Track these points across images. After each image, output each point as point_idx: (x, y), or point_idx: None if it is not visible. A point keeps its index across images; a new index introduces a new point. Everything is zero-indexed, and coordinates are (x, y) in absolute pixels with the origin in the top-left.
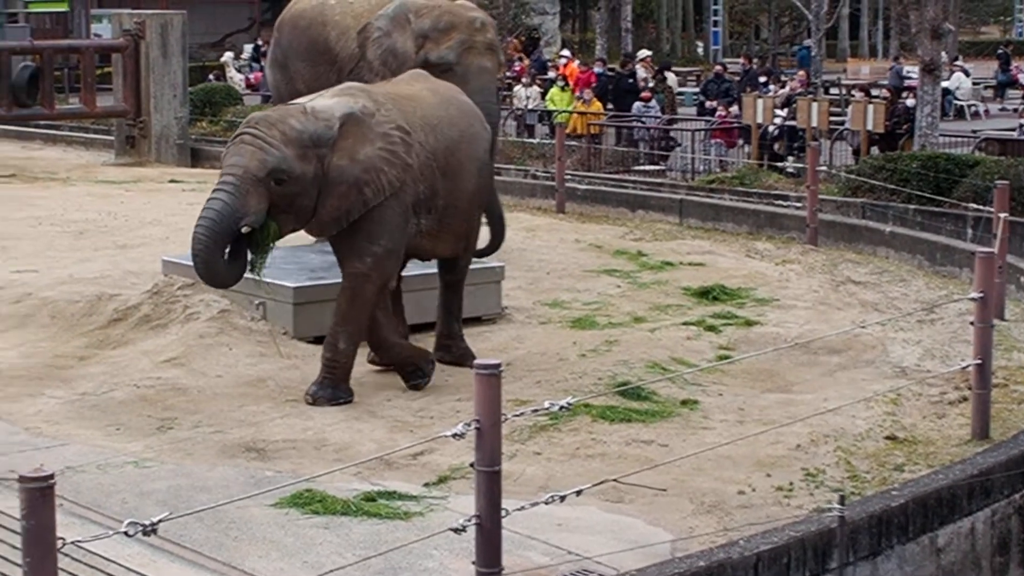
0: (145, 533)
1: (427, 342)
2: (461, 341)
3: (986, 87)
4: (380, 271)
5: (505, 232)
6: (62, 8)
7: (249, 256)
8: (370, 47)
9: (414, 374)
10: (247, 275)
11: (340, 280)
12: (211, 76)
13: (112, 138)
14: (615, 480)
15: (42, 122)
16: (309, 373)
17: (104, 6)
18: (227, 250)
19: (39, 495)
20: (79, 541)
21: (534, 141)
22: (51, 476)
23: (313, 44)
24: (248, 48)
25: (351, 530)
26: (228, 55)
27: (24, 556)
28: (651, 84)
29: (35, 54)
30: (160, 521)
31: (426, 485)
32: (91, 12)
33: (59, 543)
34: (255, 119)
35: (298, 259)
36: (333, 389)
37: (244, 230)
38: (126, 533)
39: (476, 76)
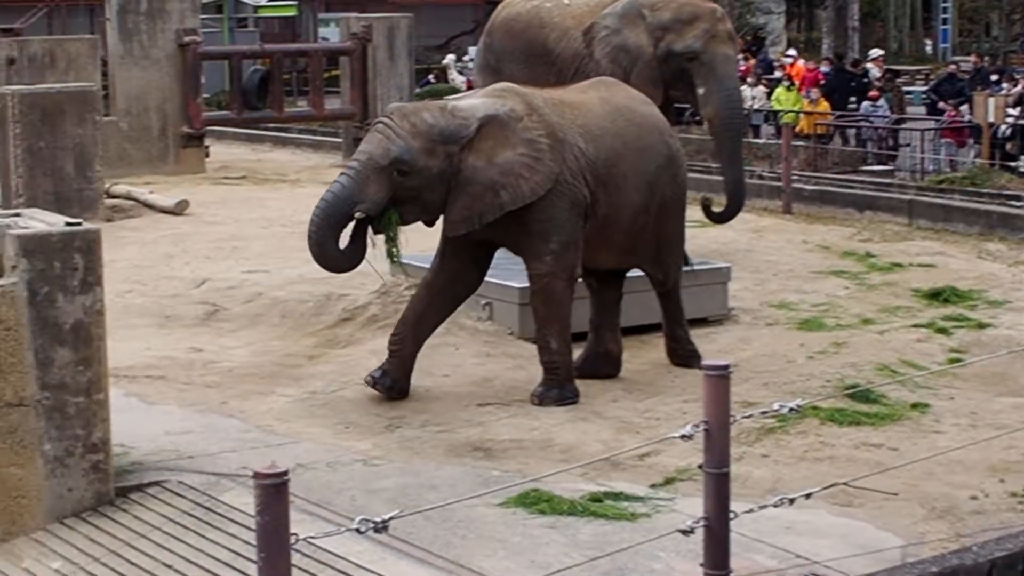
0: (376, 530)
1: (652, 344)
2: (687, 344)
3: None
4: (562, 266)
5: (739, 204)
6: (290, 13)
7: (372, 244)
8: (597, 45)
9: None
10: (391, 264)
11: None
12: (430, 78)
13: (340, 140)
14: (844, 484)
15: (272, 125)
16: (535, 373)
17: (331, 10)
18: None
19: (273, 491)
20: (312, 537)
21: (760, 141)
22: (285, 473)
23: (530, 47)
24: (472, 50)
25: (578, 530)
26: (450, 57)
27: (259, 551)
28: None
29: (265, 58)
30: (391, 519)
31: (652, 486)
32: (319, 16)
33: (292, 539)
34: (391, 109)
35: None
36: (559, 389)
37: (358, 215)
38: (358, 530)
39: (722, 64)
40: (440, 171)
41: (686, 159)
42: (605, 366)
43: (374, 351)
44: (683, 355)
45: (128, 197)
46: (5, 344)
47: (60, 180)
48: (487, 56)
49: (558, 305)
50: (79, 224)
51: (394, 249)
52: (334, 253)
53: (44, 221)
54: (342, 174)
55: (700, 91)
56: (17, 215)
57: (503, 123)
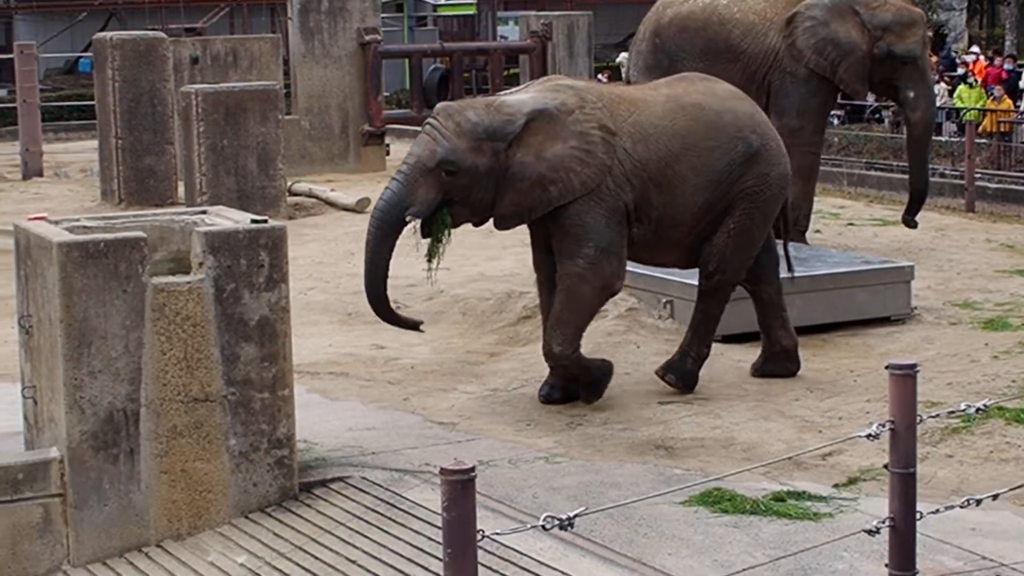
0: (562, 527)
1: (833, 343)
2: (687, 360)
3: None
4: (596, 272)
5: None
6: (470, 11)
7: (416, 247)
8: (801, 36)
9: None
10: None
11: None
12: (600, 77)
13: None
14: None
15: None
16: (717, 371)
17: (511, 8)
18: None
19: (460, 488)
20: (497, 533)
21: (942, 139)
22: (472, 469)
23: (711, 44)
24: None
25: (760, 530)
26: (623, 56)
27: (445, 547)
28: None
29: (445, 56)
30: (576, 516)
31: (835, 486)
32: (498, 14)
33: (478, 535)
34: (437, 109)
35: None
36: (587, 385)
37: (409, 219)
38: (543, 527)
39: (929, 70)
40: (488, 169)
41: (780, 159)
42: (784, 363)
43: None
44: (670, 367)
45: (309, 195)
46: (192, 340)
47: (243, 178)
48: (657, 56)
49: (577, 309)
50: (265, 221)
51: (437, 251)
52: (387, 263)
53: (230, 218)
54: (392, 179)
55: (910, 94)
56: (204, 212)
57: (552, 117)
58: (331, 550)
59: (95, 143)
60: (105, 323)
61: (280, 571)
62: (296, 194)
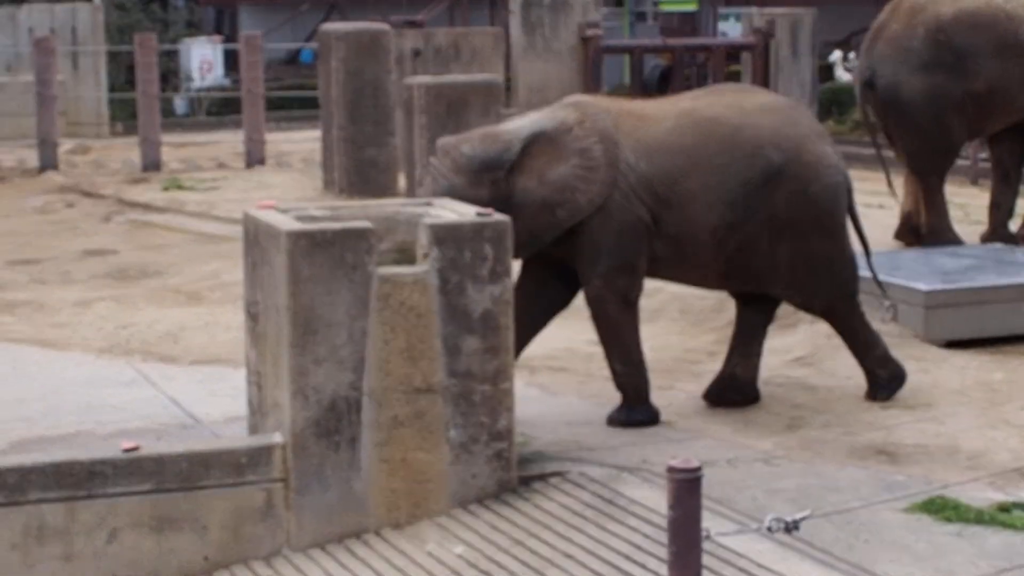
0: (787, 530)
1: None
2: (876, 374)
3: None
4: (613, 289)
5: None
6: (691, 7)
7: None
8: None
9: None
10: None
11: (972, 284)
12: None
13: None
14: None
15: None
16: (940, 377)
17: (732, 4)
18: None
19: (686, 486)
20: (722, 534)
21: None
22: (698, 468)
23: (1002, 40)
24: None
25: (985, 540)
26: (836, 54)
27: (670, 545)
28: None
29: (666, 52)
30: (802, 519)
31: None
32: (719, 11)
33: (703, 534)
34: (437, 146)
35: (931, 262)
36: (628, 411)
37: None
38: (769, 528)
39: None
40: (491, 200)
41: (822, 172)
42: (728, 391)
43: (774, 349)
44: (874, 384)
45: None
46: (416, 331)
47: None
48: (940, 54)
49: (615, 328)
50: (490, 214)
51: None
52: None
53: (455, 211)
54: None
55: None
56: (429, 204)
57: (551, 138)
58: (548, 544)
59: (316, 133)
60: (331, 312)
61: (497, 563)
62: None
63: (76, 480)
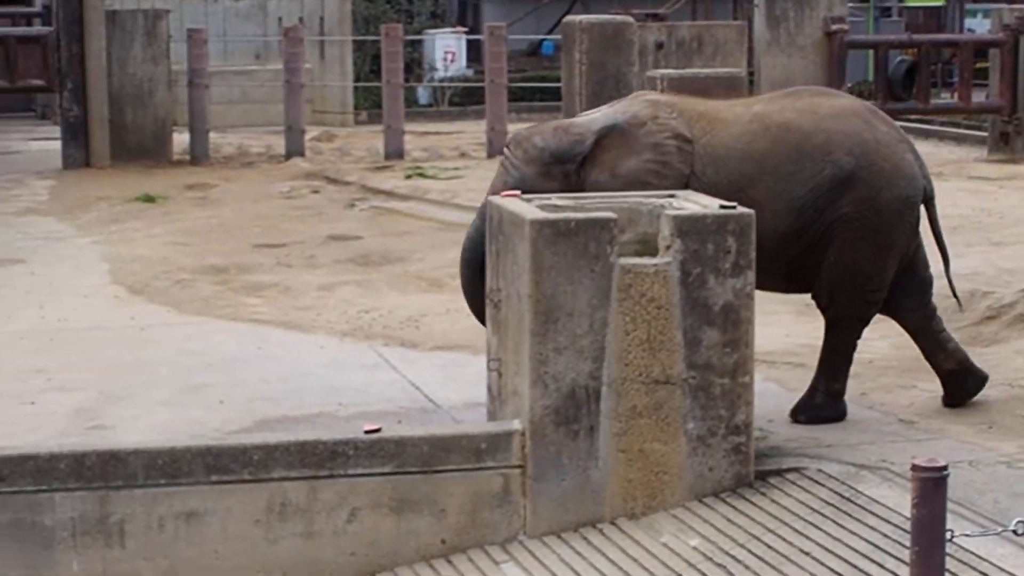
0: None
1: None
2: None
3: None
4: None
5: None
6: (937, 2)
7: None
8: None
9: None
10: None
11: None
12: None
13: (985, 134)
14: None
15: (913, 116)
16: None
17: (980, 1)
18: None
19: (931, 485)
20: (964, 535)
21: None
22: (944, 468)
23: None
24: None
25: None
26: None
27: (912, 545)
28: None
29: (912, 48)
30: None
31: None
32: (966, 6)
33: (947, 535)
34: (510, 138)
35: None
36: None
37: None
38: (1015, 532)
39: None
40: (561, 191)
41: (895, 182)
42: (958, 389)
43: (1019, 351)
44: (799, 407)
45: None
46: (656, 322)
47: None
48: None
49: None
50: (733, 207)
51: None
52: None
53: (698, 203)
54: (477, 215)
55: None
56: (671, 196)
57: (623, 131)
58: (785, 540)
59: None
60: (572, 301)
61: (733, 557)
62: None
63: (319, 460)
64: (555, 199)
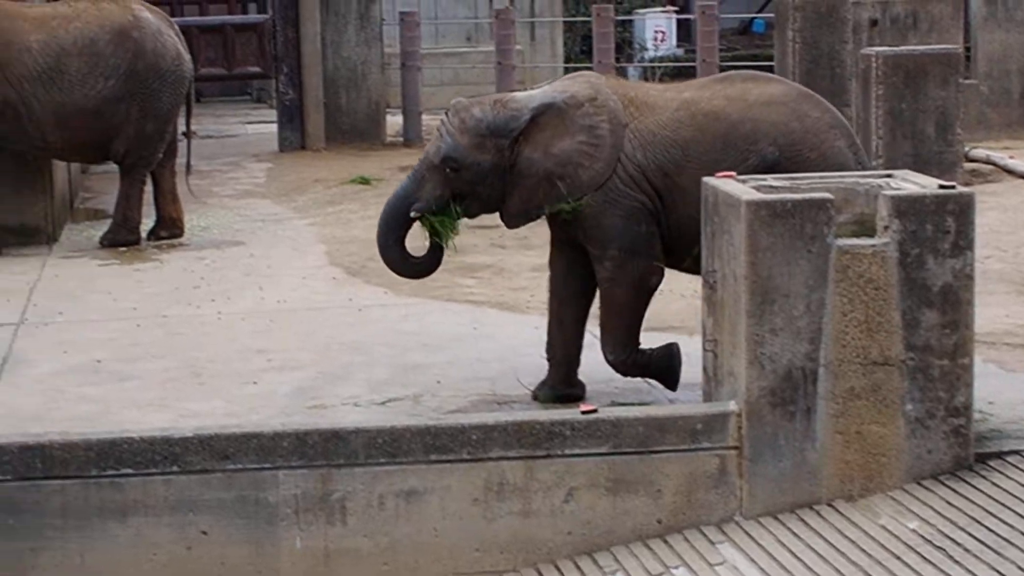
0: None
1: None
2: None
3: None
4: (624, 275)
5: None
6: None
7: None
8: None
9: None
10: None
11: None
12: None
13: None
14: None
15: None
16: None
17: None
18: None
19: None
20: None
21: None
22: None
23: None
24: None
25: None
26: None
27: None
28: None
29: None
30: None
31: None
32: None
33: None
34: (450, 106)
35: None
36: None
37: (413, 215)
38: None
39: None
40: (492, 165)
41: (818, 169)
42: None
43: None
44: None
45: (987, 161)
46: (874, 303)
47: (920, 142)
48: None
49: (617, 313)
50: (952, 187)
51: (445, 243)
52: (398, 258)
53: (916, 183)
54: (407, 176)
55: None
56: (888, 176)
57: (560, 111)
58: (1007, 524)
59: None
60: (788, 282)
61: (953, 540)
62: (973, 160)
63: (536, 440)
64: (770, 180)
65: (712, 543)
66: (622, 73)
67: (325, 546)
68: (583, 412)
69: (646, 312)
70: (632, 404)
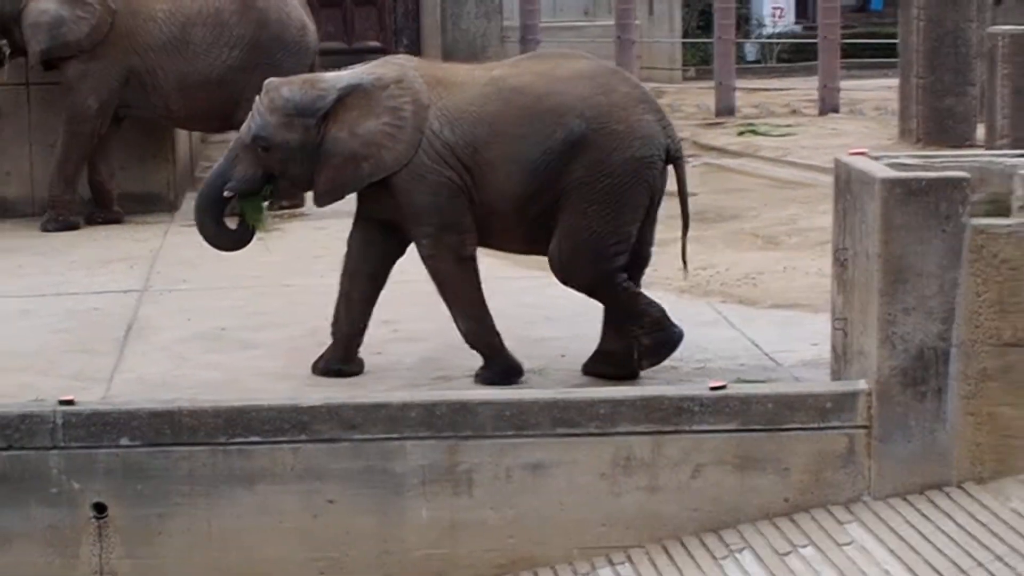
0: None
1: None
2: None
3: None
4: (442, 247)
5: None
6: None
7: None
8: None
9: None
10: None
11: None
12: None
13: None
14: None
15: None
16: None
17: None
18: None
19: None
20: None
21: None
22: None
23: None
24: None
25: None
26: None
27: None
28: None
29: None
30: None
31: None
32: None
33: None
34: (264, 84)
35: None
36: (489, 369)
37: (227, 194)
38: None
39: None
40: (300, 144)
41: (629, 143)
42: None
43: None
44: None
45: None
46: (1008, 284)
47: None
48: None
49: (452, 285)
50: None
51: (258, 223)
52: (213, 232)
53: None
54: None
55: None
56: (1023, 156)
57: (366, 92)
58: None
59: (887, 81)
60: (921, 261)
61: None
62: None
63: (664, 415)
64: (903, 157)
65: (840, 523)
66: (739, 49)
67: (451, 517)
68: (712, 388)
69: (479, 281)
70: (759, 381)
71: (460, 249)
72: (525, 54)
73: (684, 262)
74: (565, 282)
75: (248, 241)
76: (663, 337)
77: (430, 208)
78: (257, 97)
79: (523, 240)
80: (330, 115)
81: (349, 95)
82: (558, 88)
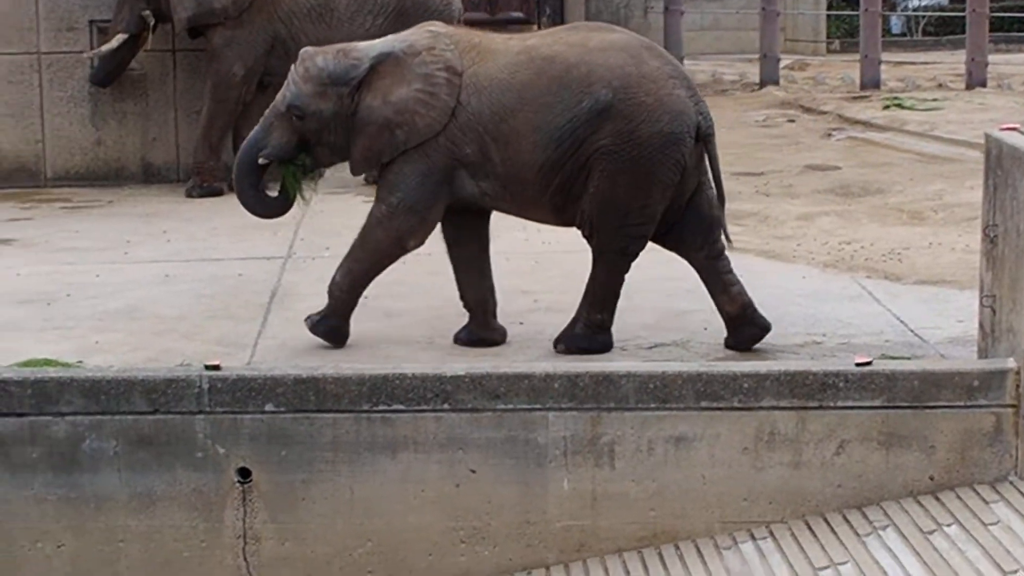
0: None
1: None
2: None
3: None
4: (393, 223)
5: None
6: None
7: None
8: None
9: None
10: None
11: None
12: None
13: None
14: None
15: None
16: None
17: None
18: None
19: None
20: None
21: None
22: None
23: None
24: None
25: None
26: None
27: None
28: None
29: None
30: None
31: None
32: None
33: None
34: (301, 53)
35: None
36: (324, 319)
37: (261, 161)
38: None
39: None
40: (334, 113)
41: (658, 117)
42: (737, 330)
43: None
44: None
45: None
46: None
47: None
48: None
49: (365, 250)
50: None
51: (295, 189)
52: (251, 198)
53: None
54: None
55: None
56: None
57: (398, 60)
58: None
59: None
60: None
61: None
62: None
63: (808, 390)
64: None
65: (986, 502)
66: (884, 22)
67: (593, 489)
68: (857, 364)
69: (391, 262)
70: (904, 358)
71: (404, 237)
72: (558, 27)
73: (727, 237)
74: (589, 240)
75: (287, 209)
76: (597, 341)
77: (410, 187)
78: (293, 66)
79: (549, 209)
80: (363, 84)
81: (382, 63)
82: (589, 58)
